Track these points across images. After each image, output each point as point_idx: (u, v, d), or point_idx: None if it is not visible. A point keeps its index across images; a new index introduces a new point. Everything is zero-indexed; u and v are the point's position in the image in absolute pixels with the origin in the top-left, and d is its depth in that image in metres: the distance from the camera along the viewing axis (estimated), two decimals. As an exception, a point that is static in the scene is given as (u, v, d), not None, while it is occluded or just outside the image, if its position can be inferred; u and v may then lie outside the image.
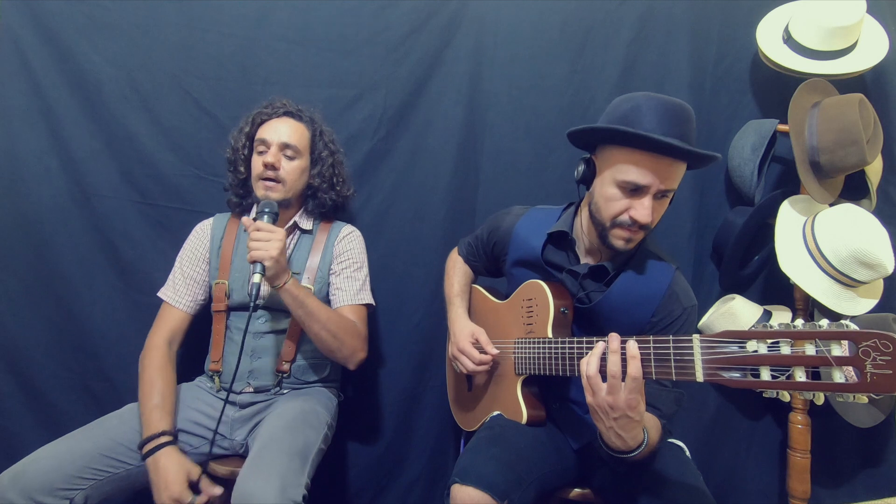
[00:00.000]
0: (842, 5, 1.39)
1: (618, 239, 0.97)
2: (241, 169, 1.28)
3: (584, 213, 1.08)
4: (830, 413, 1.42)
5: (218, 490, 1.07)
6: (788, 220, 1.43)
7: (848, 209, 1.35)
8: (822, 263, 1.33)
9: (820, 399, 0.67)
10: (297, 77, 1.48)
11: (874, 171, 1.48)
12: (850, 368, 0.62)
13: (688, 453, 1.10)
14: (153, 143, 1.43)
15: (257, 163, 1.22)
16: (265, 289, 1.17)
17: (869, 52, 1.44)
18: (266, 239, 1.06)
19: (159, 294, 1.24)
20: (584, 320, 1.08)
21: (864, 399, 0.62)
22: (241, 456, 1.21)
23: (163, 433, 1.07)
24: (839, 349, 0.62)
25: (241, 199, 1.30)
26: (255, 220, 1.15)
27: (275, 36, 1.48)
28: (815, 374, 0.66)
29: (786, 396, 0.70)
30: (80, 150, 1.40)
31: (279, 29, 1.48)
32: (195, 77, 1.45)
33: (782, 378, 0.66)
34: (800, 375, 0.65)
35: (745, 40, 1.58)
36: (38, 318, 1.40)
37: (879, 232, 1.29)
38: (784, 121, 1.42)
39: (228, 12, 1.46)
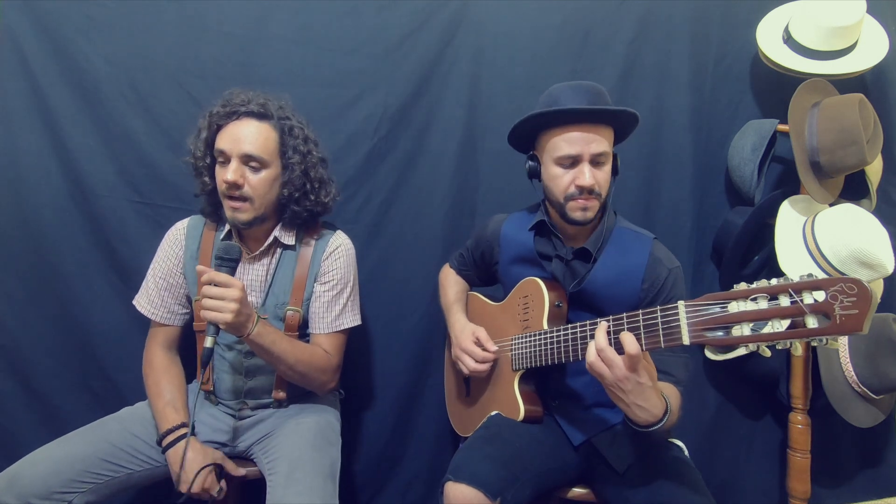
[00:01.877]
0: (842, 5, 1.39)
1: (575, 211, 1.04)
2: (206, 179, 1.13)
3: (548, 204, 1.15)
4: (830, 413, 1.42)
5: (241, 471, 1.10)
6: (788, 220, 1.43)
7: (848, 209, 1.35)
8: (822, 263, 1.33)
9: (797, 349, 0.71)
10: (297, 77, 1.48)
11: (874, 171, 1.48)
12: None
13: (687, 453, 1.10)
14: (152, 142, 1.43)
15: (219, 176, 1.07)
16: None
17: (869, 52, 1.44)
18: (220, 297, 0.94)
19: (134, 303, 1.19)
20: (580, 303, 1.11)
21: (836, 344, 0.67)
22: (243, 457, 1.20)
23: (182, 425, 1.07)
24: (811, 298, 0.66)
25: (214, 209, 1.17)
26: (217, 259, 1.01)
27: (275, 36, 1.48)
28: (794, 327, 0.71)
29: (766, 352, 0.73)
30: (79, 150, 1.40)
31: (279, 29, 1.48)
32: (194, 76, 1.45)
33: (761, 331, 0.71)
34: (777, 327, 0.70)
35: (745, 40, 1.58)
36: (38, 317, 1.40)
37: (879, 232, 1.29)
38: (784, 121, 1.42)
39: (228, 12, 1.45)
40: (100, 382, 1.42)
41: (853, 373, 1.41)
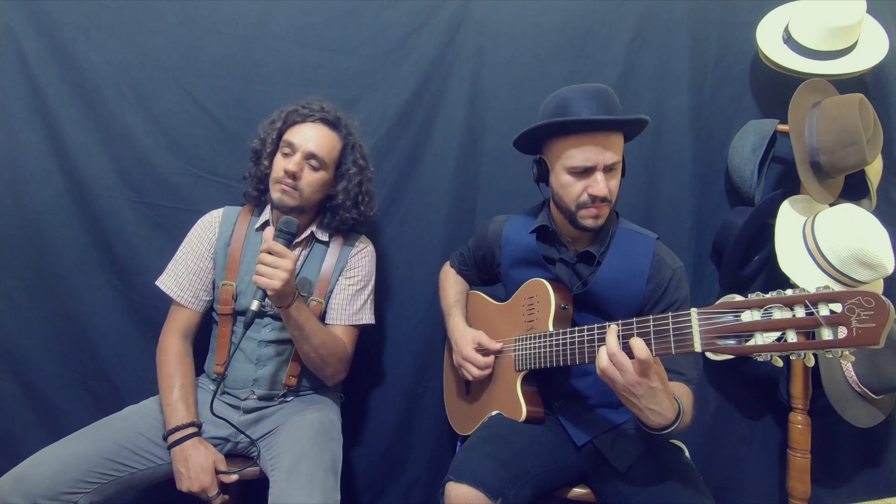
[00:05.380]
0: (842, 5, 1.39)
1: (586, 218, 1.04)
2: (265, 163, 1.22)
3: (553, 208, 1.14)
4: (830, 413, 1.42)
5: (233, 477, 1.10)
6: (788, 220, 1.43)
7: (848, 209, 1.35)
8: (822, 263, 1.33)
9: (811, 360, 0.70)
10: (296, 77, 1.48)
11: (874, 171, 1.48)
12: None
13: (687, 453, 1.10)
14: (152, 142, 1.43)
15: (279, 164, 1.17)
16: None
17: (869, 52, 1.44)
18: (275, 265, 1.03)
19: (158, 283, 1.21)
20: (585, 305, 1.11)
21: (850, 357, 0.66)
22: (244, 456, 1.21)
23: (190, 424, 1.09)
24: (826, 310, 0.66)
25: (259, 194, 1.25)
26: (276, 231, 1.10)
27: (275, 36, 1.47)
28: (808, 338, 0.70)
29: (778, 362, 0.72)
30: (79, 150, 1.39)
31: (279, 29, 1.48)
32: (194, 76, 1.44)
33: (774, 341, 0.70)
34: (791, 337, 0.69)
35: (745, 40, 1.58)
36: (38, 318, 1.40)
37: (879, 232, 1.29)
38: (784, 121, 1.42)
39: (228, 12, 1.45)
40: (99, 383, 1.42)
41: (853, 373, 1.41)
